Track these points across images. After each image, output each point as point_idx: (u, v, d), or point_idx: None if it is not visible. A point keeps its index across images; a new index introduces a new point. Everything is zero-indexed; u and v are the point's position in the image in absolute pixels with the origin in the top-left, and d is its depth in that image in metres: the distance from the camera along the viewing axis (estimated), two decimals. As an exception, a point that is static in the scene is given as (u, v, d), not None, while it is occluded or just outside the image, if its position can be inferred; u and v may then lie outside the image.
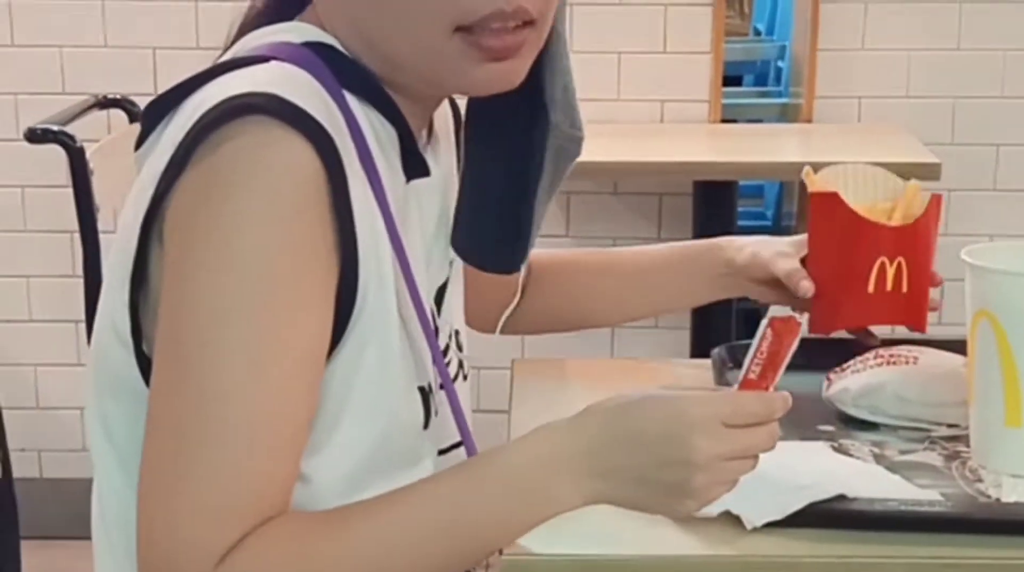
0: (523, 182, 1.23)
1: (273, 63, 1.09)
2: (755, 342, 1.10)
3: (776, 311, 1.11)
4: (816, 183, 1.44)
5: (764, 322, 1.10)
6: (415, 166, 1.17)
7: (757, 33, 3.92)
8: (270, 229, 1.02)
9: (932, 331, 1.47)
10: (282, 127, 1.03)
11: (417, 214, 1.19)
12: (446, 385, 1.18)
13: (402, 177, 1.16)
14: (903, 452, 1.27)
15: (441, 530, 1.05)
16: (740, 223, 3.13)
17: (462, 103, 1.29)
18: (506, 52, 1.12)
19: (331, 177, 1.04)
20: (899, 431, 1.32)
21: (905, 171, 2.87)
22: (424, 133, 1.23)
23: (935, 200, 1.44)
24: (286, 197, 1.03)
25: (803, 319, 1.10)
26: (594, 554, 1.09)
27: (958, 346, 1.30)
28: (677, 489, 1.04)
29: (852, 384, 1.35)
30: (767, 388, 1.08)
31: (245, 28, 1.19)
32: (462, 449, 1.20)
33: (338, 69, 1.11)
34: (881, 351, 1.38)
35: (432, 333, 1.14)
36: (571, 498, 1.06)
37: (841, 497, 1.13)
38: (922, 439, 1.30)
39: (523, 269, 1.31)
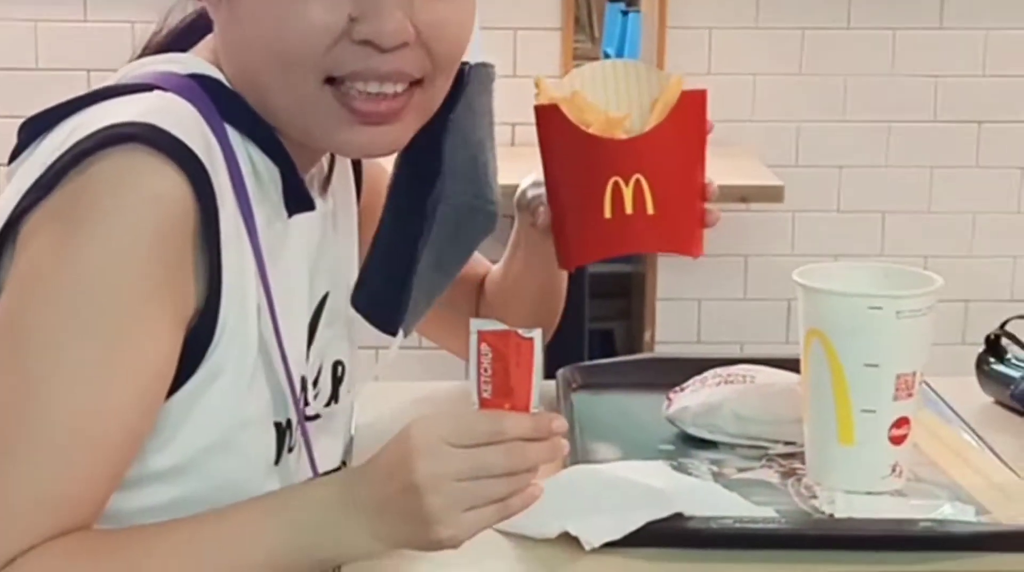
0: (415, 248, 1.23)
1: (156, 92, 1.08)
2: (473, 360, 1.06)
3: (479, 325, 1.06)
4: (544, 94, 1.29)
5: (472, 338, 1.06)
6: (298, 201, 1.17)
7: (607, 56, 3.96)
8: (125, 252, 1.02)
9: (777, 350, 1.47)
10: (156, 156, 1.02)
11: (298, 248, 1.18)
12: (299, 421, 1.16)
13: (283, 212, 1.16)
14: (741, 469, 1.28)
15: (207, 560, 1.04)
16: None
17: None
18: (380, 117, 1.11)
19: (201, 209, 1.04)
20: (737, 449, 1.33)
21: (748, 193, 2.96)
22: (323, 165, 1.22)
23: (686, 99, 1.25)
24: (148, 224, 1.02)
25: (534, 334, 1.05)
26: (433, 578, 1.08)
27: (793, 364, 1.32)
28: (416, 516, 1.02)
29: (691, 403, 1.36)
30: (512, 407, 1.05)
31: (146, 54, 1.19)
32: None
33: (221, 103, 1.11)
34: (719, 370, 1.39)
35: (287, 371, 1.13)
36: (327, 539, 1.04)
37: (678, 516, 1.14)
38: (760, 457, 1.31)
39: (400, 334, 1.28)
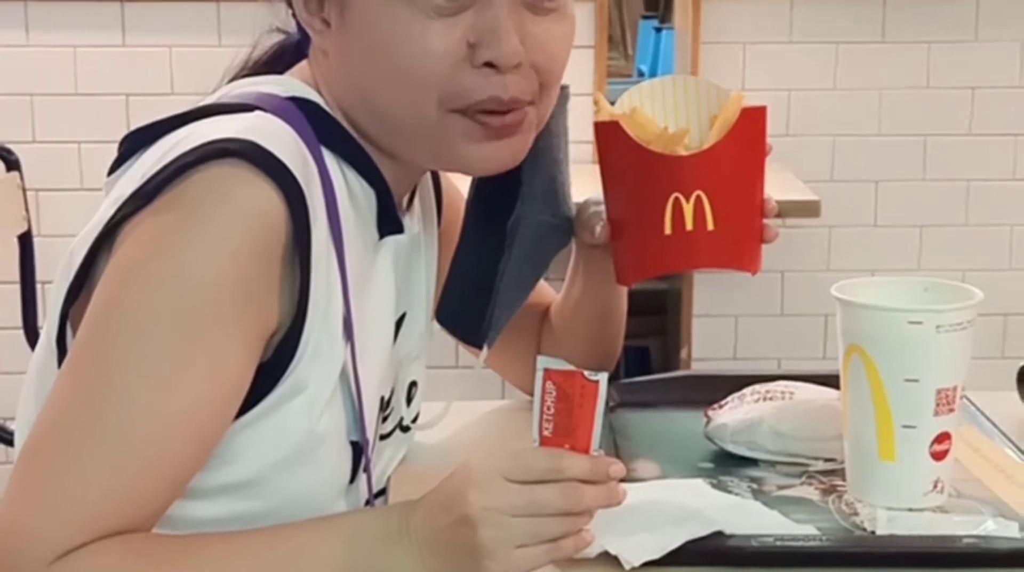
0: (496, 265, 1.27)
1: (256, 113, 1.11)
2: (537, 397, 1.07)
3: (546, 362, 1.06)
4: (605, 110, 1.29)
5: (538, 375, 1.06)
6: (390, 224, 1.20)
7: (640, 74, 3.96)
8: (220, 264, 1.04)
9: (814, 366, 1.46)
10: (254, 172, 1.05)
11: (386, 269, 1.21)
12: (364, 447, 1.18)
13: (375, 234, 1.19)
14: (781, 487, 1.28)
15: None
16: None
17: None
18: (507, 130, 1.14)
19: (294, 226, 1.06)
20: (777, 466, 1.32)
21: (785, 208, 2.95)
22: (407, 197, 1.25)
23: (747, 116, 1.25)
24: (241, 237, 1.04)
25: (600, 377, 1.05)
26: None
27: (832, 380, 1.31)
28: (468, 549, 1.03)
29: (729, 420, 1.35)
30: (573, 447, 1.05)
31: (235, 77, 1.23)
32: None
33: (319, 126, 1.14)
34: (758, 387, 1.39)
35: (358, 392, 1.15)
36: (380, 569, 1.05)
37: (719, 534, 1.13)
38: (799, 473, 1.31)
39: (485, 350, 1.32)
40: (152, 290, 1.04)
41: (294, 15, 1.19)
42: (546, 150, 1.26)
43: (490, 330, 1.30)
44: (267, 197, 1.05)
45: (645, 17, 4.53)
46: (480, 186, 1.30)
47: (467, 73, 1.12)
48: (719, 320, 3.42)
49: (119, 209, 1.08)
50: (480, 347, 1.32)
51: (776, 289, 3.42)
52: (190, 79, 1.19)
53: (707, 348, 3.36)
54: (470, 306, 1.30)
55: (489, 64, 1.12)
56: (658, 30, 3.91)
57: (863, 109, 3.35)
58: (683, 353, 3.22)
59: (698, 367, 3.22)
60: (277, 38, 1.25)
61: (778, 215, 2.86)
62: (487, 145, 1.15)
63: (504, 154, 1.17)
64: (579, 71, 3.17)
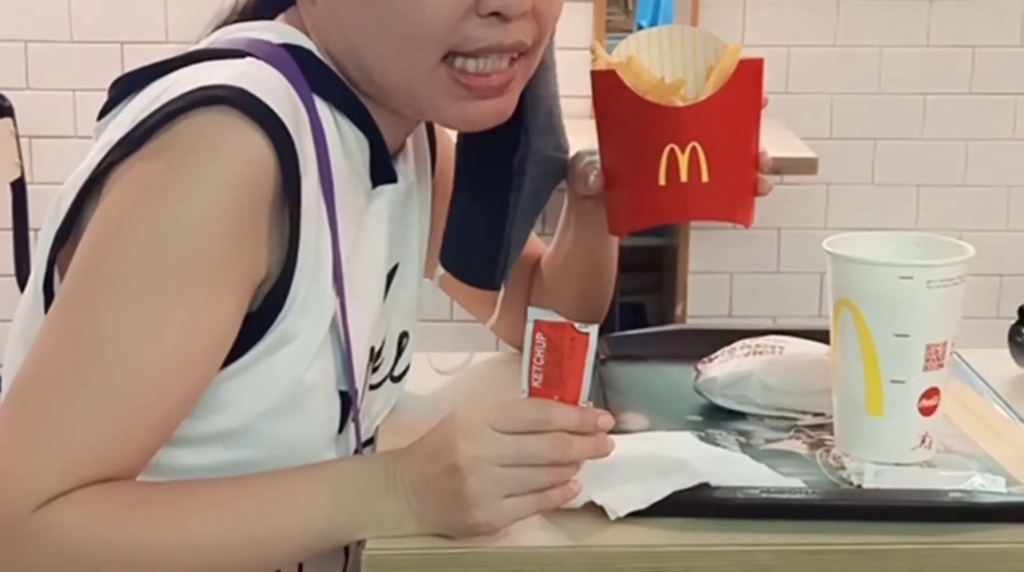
0: (504, 204, 1.27)
1: (248, 59, 1.10)
2: (527, 348, 1.06)
3: (537, 314, 1.06)
4: (602, 59, 1.29)
5: (528, 326, 1.06)
6: (383, 173, 1.19)
7: (641, 29, 3.94)
8: (207, 212, 1.03)
9: (808, 322, 1.46)
10: (243, 119, 1.04)
11: (378, 219, 1.21)
12: (353, 397, 1.18)
13: (367, 183, 1.18)
14: (769, 440, 1.28)
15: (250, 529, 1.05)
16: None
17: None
18: (493, 91, 1.14)
19: (284, 175, 1.06)
20: (766, 420, 1.32)
21: (782, 165, 2.94)
22: (400, 145, 1.25)
23: (744, 68, 1.24)
24: (230, 185, 1.04)
25: (590, 329, 1.05)
26: (456, 548, 1.07)
27: (823, 336, 1.31)
28: (455, 498, 1.03)
29: (719, 373, 1.35)
30: (562, 398, 1.06)
31: (227, 22, 1.22)
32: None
33: (312, 73, 1.13)
34: (748, 341, 1.38)
35: (347, 342, 1.15)
36: (368, 516, 1.06)
37: (705, 486, 1.13)
38: (788, 428, 1.30)
39: (503, 286, 1.34)
40: (139, 238, 1.03)
41: None
42: (543, 84, 1.26)
43: (506, 269, 1.30)
44: (256, 145, 1.04)
45: (646, -29, 4.52)
46: (468, 133, 1.30)
47: (472, 23, 1.12)
48: (714, 277, 3.42)
49: (107, 155, 1.07)
50: (489, 289, 1.32)
51: (772, 246, 3.42)
52: (185, 27, 1.18)
53: (702, 305, 3.36)
54: (475, 249, 1.30)
55: (495, 13, 1.11)
56: (659, -16, 3.90)
57: (862, 67, 3.34)
58: (678, 310, 3.22)
59: (693, 324, 3.22)
60: None
61: (776, 172, 2.86)
62: (473, 105, 1.15)
63: (491, 113, 1.16)
64: (578, 25, 3.15)
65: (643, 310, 3.43)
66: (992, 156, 3.40)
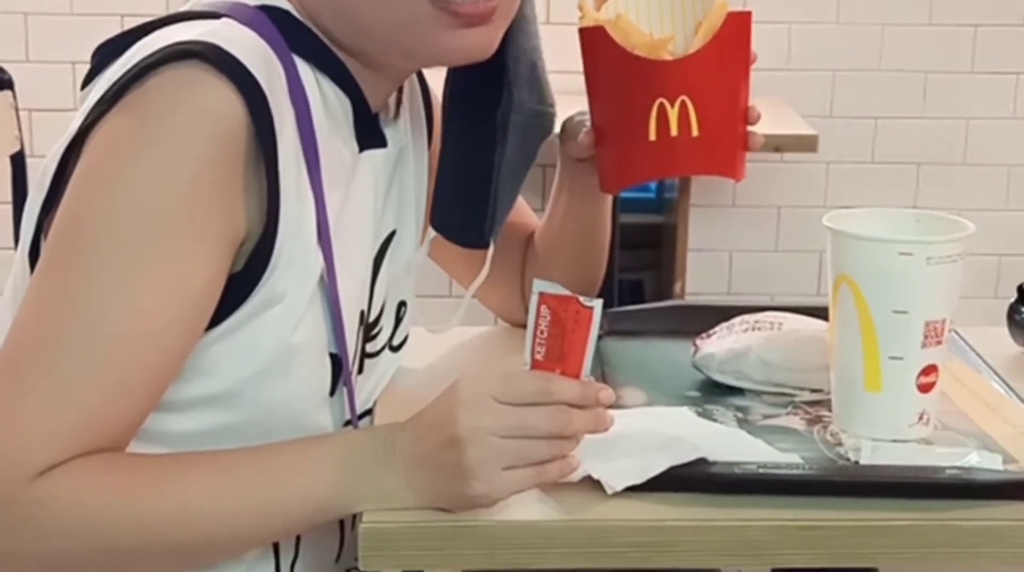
0: (490, 160, 1.26)
1: (224, 19, 1.10)
2: (531, 321, 1.06)
3: (542, 286, 1.06)
4: (589, 16, 1.28)
5: (533, 298, 1.06)
6: (369, 136, 1.19)
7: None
8: (178, 168, 1.03)
9: (807, 299, 1.45)
10: (213, 73, 1.04)
11: (366, 182, 1.20)
12: (343, 359, 1.17)
13: (354, 145, 1.17)
14: (766, 416, 1.28)
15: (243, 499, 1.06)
16: (623, 195, 3.14)
17: (433, 82, 1.30)
18: (479, 18, 1.13)
19: (257, 130, 1.05)
20: (763, 396, 1.32)
21: (782, 142, 2.93)
22: (391, 105, 1.24)
23: (732, 21, 1.25)
24: (201, 140, 1.03)
25: (594, 303, 1.05)
26: (453, 521, 1.07)
27: (823, 313, 1.31)
28: (454, 469, 1.03)
29: (717, 349, 1.35)
30: (564, 372, 1.06)
31: None
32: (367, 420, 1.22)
33: (291, 34, 1.13)
34: (747, 317, 1.38)
35: (336, 303, 1.14)
36: (368, 489, 1.06)
37: (702, 461, 1.13)
38: (785, 404, 1.30)
39: (492, 244, 1.33)
40: (111, 199, 1.03)
41: None
42: (524, 36, 1.25)
43: (494, 225, 1.29)
44: (226, 99, 1.04)
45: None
46: (456, 83, 1.29)
47: None
48: (714, 254, 3.42)
49: (86, 117, 1.07)
50: (478, 247, 1.31)
51: (772, 224, 3.41)
52: (185, -1, 1.19)
53: (701, 282, 3.36)
54: (464, 208, 1.29)
55: None
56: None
57: (864, 44, 3.33)
58: (677, 287, 3.22)
59: (693, 301, 3.22)
60: None
61: (776, 149, 2.84)
62: (461, 32, 1.13)
63: (480, 42, 1.15)
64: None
65: (642, 287, 3.43)
66: (993, 135, 3.40)
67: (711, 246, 3.40)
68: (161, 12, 1.14)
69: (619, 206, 2.77)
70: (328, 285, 1.13)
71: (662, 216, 3.37)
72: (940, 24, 3.32)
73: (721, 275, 3.44)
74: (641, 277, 3.43)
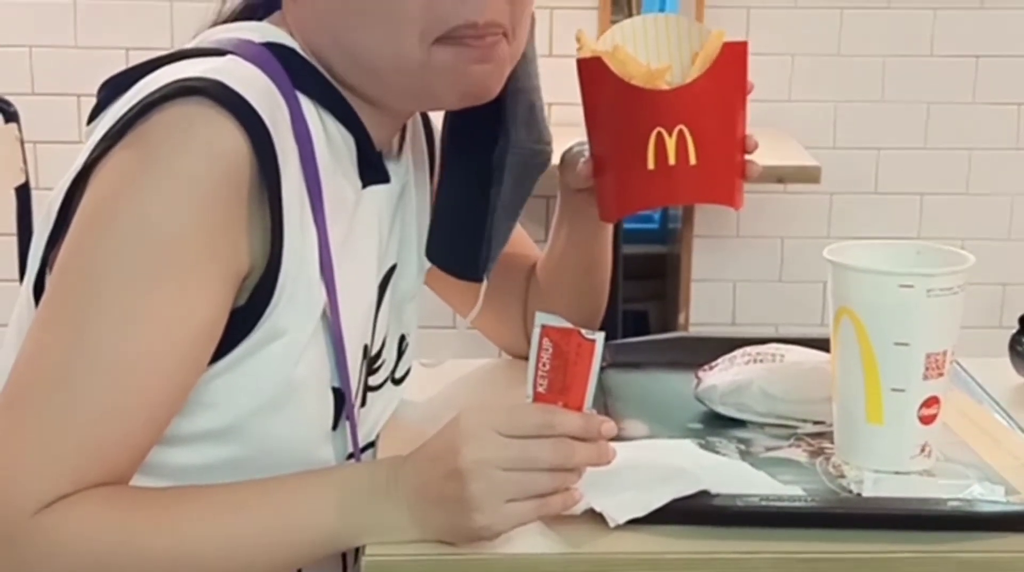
0: (486, 196, 1.27)
1: (229, 57, 1.11)
2: (533, 353, 1.07)
3: (544, 319, 1.07)
4: (587, 47, 1.30)
5: (536, 331, 1.06)
6: (373, 173, 1.19)
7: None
8: (181, 204, 1.04)
9: (810, 330, 1.46)
10: (217, 110, 1.05)
11: (370, 218, 1.21)
12: (346, 393, 1.17)
13: (357, 182, 1.18)
14: (769, 449, 1.28)
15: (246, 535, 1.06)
16: (626, 226, 3.15)
17: (435, 117, 1.32)
18: (485, 53, 1.14)
19: (260, 167, 1.06)
20: (766, 428, 1.32)
21: (785, 174, 2.94)
22: (395, 143, 1.25)
23: (728, 51, 1.27)
24: (205, 177, 1.04)
25: (596, 336, 1.06)
26: (456, 554, 1.07)
27: (825, 344, 1.31)
28: (457, 502, 1.03)
29: (719, 381, 1.35)
30: (566, 405, 1.06)
31: (215, 24, 1.22)
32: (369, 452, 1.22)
33: (295, 71, 1.14)
34: (749, 349, 1.38)
35: (339, 337, 1.14)
36: (371, 522, 1.06)
37: (704, 493, 1.13)
38: (788, 436, 1.30)
39: (486, 278, 1.34)
40: (113, 233, 1.04)
41: None
42: (524, 77, 1.26)
43: (488, 261, 1.30)
44: (230, 135, 1.05)
45: (651, -21, 4.52)
46: (454, 121, 1.29)
47: (446, 1, 1.12)
48: (718, 285, 3.42)
49: (91, 152, 1.08)
50: (472, 280, 1.32)
51: (776, 255, 3.42)
52: (190, 33, 1.20)
53: (705, 313, 3.36)
54: (460, 241, 1.30)
55: None
56: (664, -8, 3.90)
57: (866, 75, 3.34)
58: (681, 318, 3.22)
59: (696, 332, 3.22)
60: None
61: (779, 180, 2.84)
62: (473, 70, 1.14)
63: (481, 82, 1.16)
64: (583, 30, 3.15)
65: (646, 318, 3.43)
66: (995, 165, 3.40)
67: (715, 277, 3.40)
68: (167, 46, 1.15)
69: (623, 237, 2.78)
70: (331, 319, 1.13)
71: (666, 247, 3.37)
72: (942, 55, 3.33)
73: (725, 306, 3.44)
74: (645, 307, 3.44)
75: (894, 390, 1.19)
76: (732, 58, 1.27)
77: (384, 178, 1.22)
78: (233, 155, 1.05)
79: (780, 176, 2.87)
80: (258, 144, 1.06)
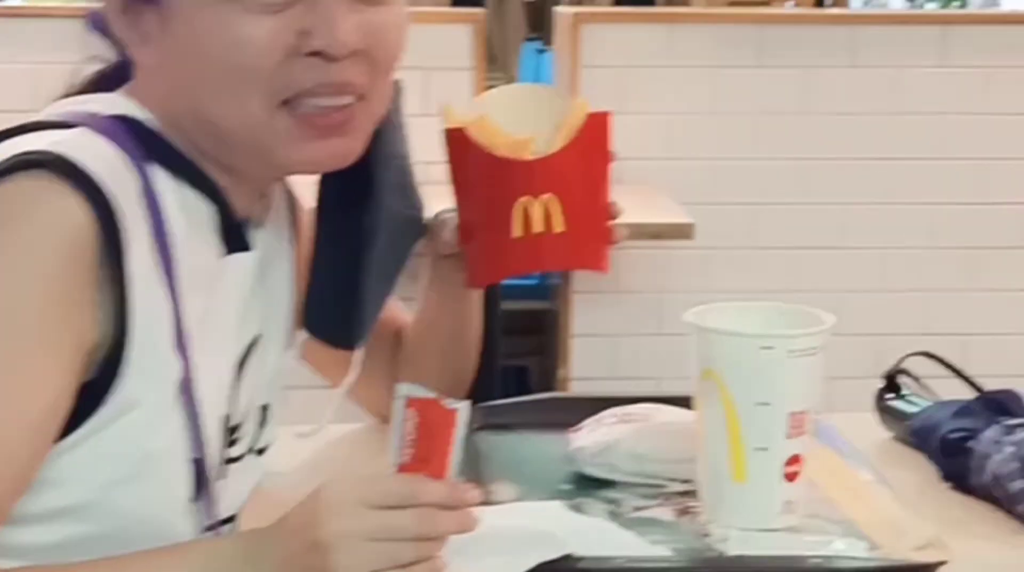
0: (359, 262, 1.27)
1: (77, 129, 1.09)
2: (396, 424, 1.07)
3: (406, 389, 1.07)
4: (452, 118, 1.32)
5: (398, 402, 1.06)
6: (235, 241, 1.18)
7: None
8: (24, 280, 1.02)
9: (674, 387, 1.47)
10: (60, 184, 1.03)
11: (231, 287, 1.19)
12: (203, 465, 1.16)
13: (218, 249, 1.17)
14: (637, 508, 1.29)
15: None
16: (506, 282, 3.16)
17: (306, 182, 1.30)
18: (333, 130, 1.13)
19: (105, 240, 1.04)
20: (634, 488, 1.33)
21: (660, 230, 2.97)
22: (258, 209, 1.23)
23: (591, 121, 1.29)
24: (48, 252, 1.03)
25: (459, 406, 1.06)
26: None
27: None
28: None
29: (588, 442, 1.36)
30: (430, 474, 1.06)
31: (67, 96, 1.20)
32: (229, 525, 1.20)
33: (147, 142, 1.12)
34: (616, 410, 1.40)
35: (193, 409, 1.13)
36: None
37: (570, 556, 1.14)
38: (656, 495, 1.31)
39: (362, 348, 1.33)
40: None
41: (110, 38, 1.18)
42: (391, 143, 1.26)
43: (363, 328, 1.30)
44: (72, 210, 1.04)
45: (529, 39, 4.57)
46: (327, 186, 1.29)
47: (297, 64, 1.11)
48: (598, 340, 3.44)
49: None
50: (346, 348, 1.32)
51: (655, 309, 3.45)
52: (53, 96, 1.19)
53: (586, 368, 3.38)
54: (335, 309, 1.29)
55: (319, 54, 1.11)
56: (540, 51, 3.94)
57: (741, 133, 3.39)
58: (561, 373, 3.23)
59: (577, 386, 3.23)
60: (98, 65, 1.23)
61: (655, 236, 2.88)
62: (318, 144, 1.14)
63: (337, 152, 1.16)
64: (458, 92, 3.17)
65: (527, 373, 3.44)
66: (868, 219, 3.47)
67: (595, 331, 3.42)
68: (26, 110, 1.14)
69: (503, 292, 2.79)
70: (186, 390, 1.12)
71: (546, 302, 3.39)
72: (815, 112, 3.40)
73: (606, 360, 3.46)
74: (525, 363, 3.45)
75: (757, 449, 1.21)
76: (595, 128, 1.30)
77: (244, 247, 1.21)
78: (76, 229, 1.04)
79: (656, 232, 2.90)
80: (102, 218, 1.05)
